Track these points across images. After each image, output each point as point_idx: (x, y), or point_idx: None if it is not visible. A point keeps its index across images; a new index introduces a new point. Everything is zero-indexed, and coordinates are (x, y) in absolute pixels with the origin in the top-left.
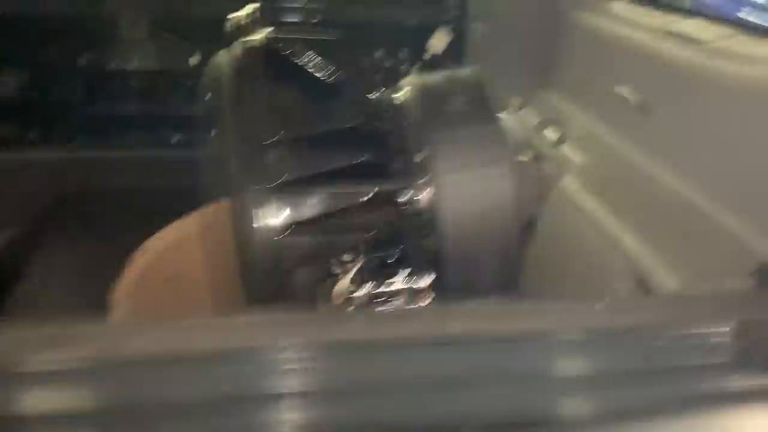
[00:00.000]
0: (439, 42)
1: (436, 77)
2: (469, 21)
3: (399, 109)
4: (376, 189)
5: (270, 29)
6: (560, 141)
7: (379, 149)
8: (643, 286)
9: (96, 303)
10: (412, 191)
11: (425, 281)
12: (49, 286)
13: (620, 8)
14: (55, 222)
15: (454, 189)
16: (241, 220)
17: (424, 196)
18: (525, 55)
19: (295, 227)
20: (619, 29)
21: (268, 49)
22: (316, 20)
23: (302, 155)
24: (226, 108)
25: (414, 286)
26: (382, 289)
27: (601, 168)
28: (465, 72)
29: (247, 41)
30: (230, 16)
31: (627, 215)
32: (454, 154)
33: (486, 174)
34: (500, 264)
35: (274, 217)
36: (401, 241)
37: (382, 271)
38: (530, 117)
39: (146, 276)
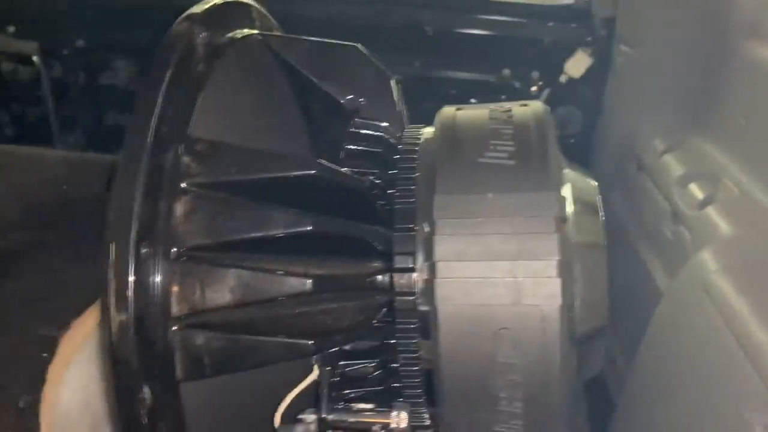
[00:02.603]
0: (578, 65)
1: (476, 111)
2: (615, 43)
3: (408, 154)
4: (343, 269)
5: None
6: (707, 201)
7: (359, 210)
8: None
9: None
10: (402, 277)
11: (405, 419)
12: None
13: None
14: None
15: (465, 283)
16: (112, 300)
17: (419, 286)
18: (677, 90)
19: (203, 317)
20: None
21: (269, 47)
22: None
23: (231, 208)
24: (141, 98)
25: (393, 424)
26: (341, 417)
27: (755, 245)
28: (524, 108)
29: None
30: None
31: None
32: (473, 232)
33: (520, 268)
34: (533, 406)
35: (171, 298)
36: (377, 350)
37: (343, 395)
38: (674, 166)
39: None
